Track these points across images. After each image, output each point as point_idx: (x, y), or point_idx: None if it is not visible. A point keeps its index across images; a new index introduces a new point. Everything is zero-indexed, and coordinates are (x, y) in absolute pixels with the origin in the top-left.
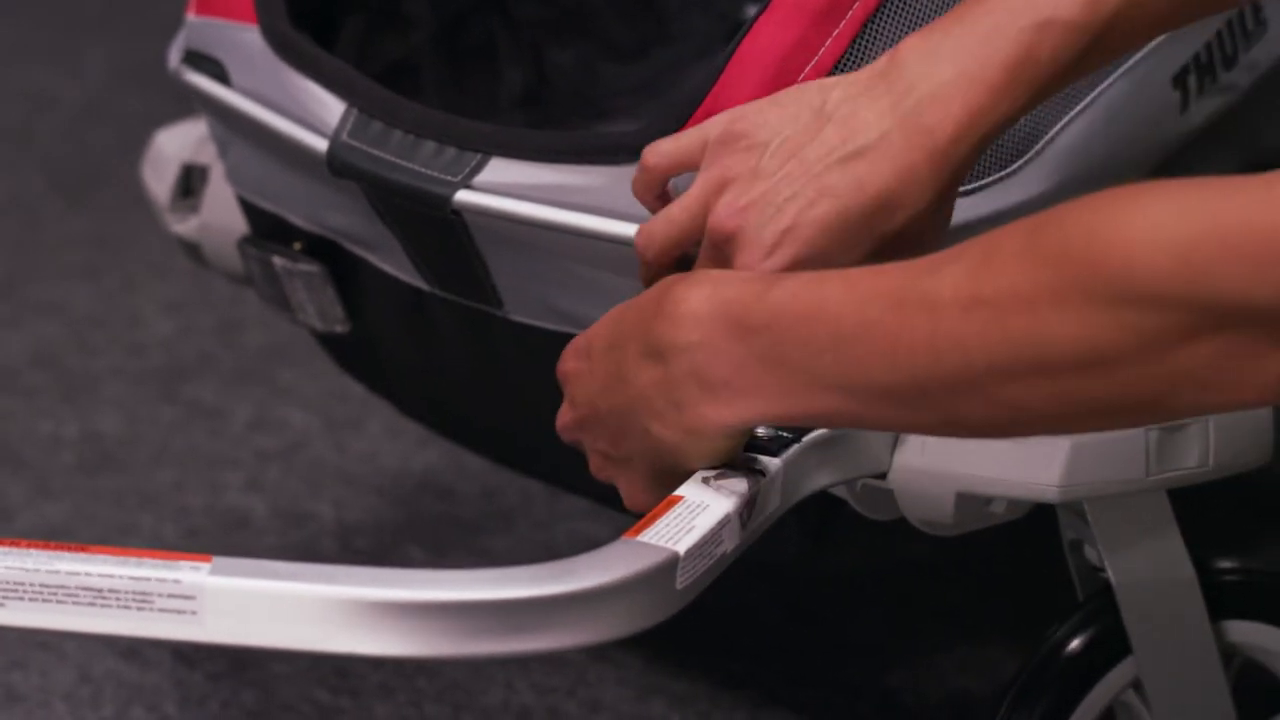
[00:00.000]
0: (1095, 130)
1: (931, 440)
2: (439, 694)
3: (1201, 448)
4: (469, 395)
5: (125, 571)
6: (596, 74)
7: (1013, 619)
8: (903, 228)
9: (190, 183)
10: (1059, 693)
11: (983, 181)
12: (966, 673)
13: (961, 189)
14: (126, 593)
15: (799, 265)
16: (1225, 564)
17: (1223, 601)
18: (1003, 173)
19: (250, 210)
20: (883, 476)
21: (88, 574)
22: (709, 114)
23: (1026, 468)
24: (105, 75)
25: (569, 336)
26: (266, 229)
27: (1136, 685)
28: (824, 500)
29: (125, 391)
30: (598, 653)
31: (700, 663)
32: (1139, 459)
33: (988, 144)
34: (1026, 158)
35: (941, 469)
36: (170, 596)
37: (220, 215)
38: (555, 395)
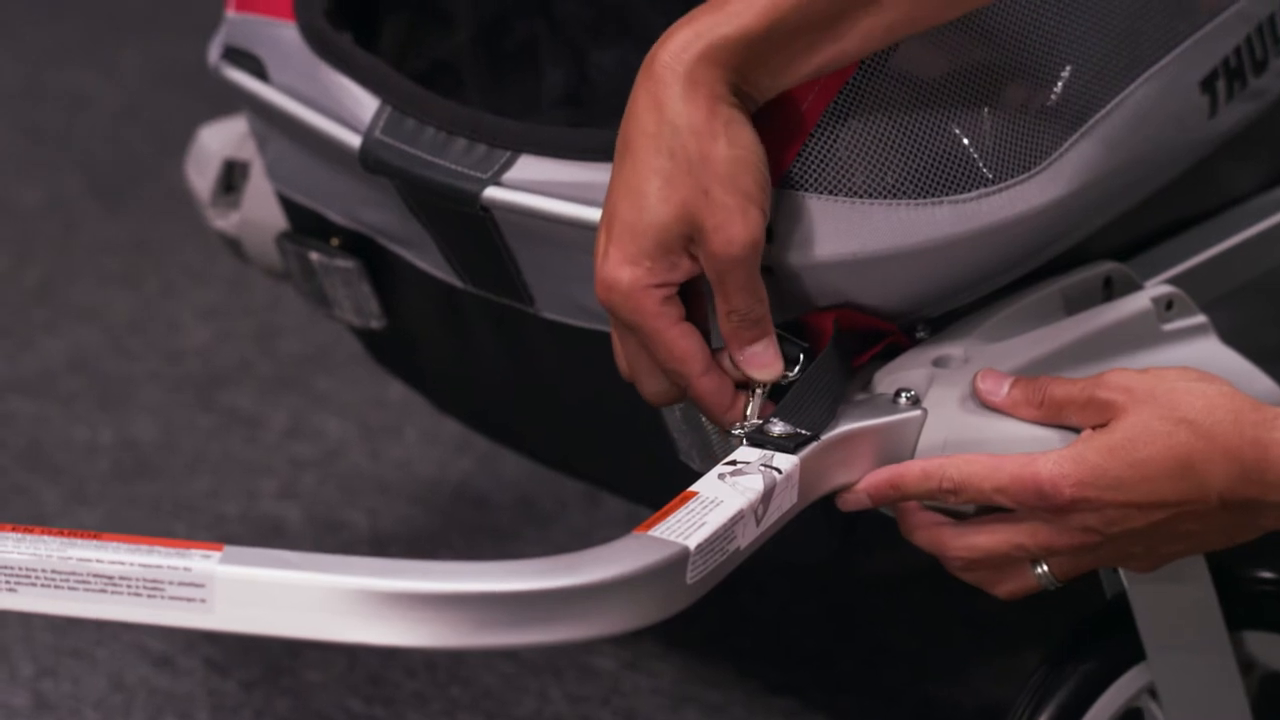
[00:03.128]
0: (1121, 133)
1: (952, 440)
2: (473, 702)
3: None
4: (503, 391)
5: (136, 559)
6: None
7: (1049, 630)
8: None
9: (232, 179)
10: (1072, 694)
11: (1008, 182)
12: (1002, 683)
13: (985, 190)
14: (137, 580)
15: None
16: (1245, 573)
17: (1242, 612)
18: (1027, 173)
19: (289, 206)
20: None
21: (99, 561)
22: None
23: None
24: (143, 77)
25: (598, 334)
26: (305, 225)
27: (1153, 691)
28: None
29: (162, 398)
30: (631, 661)
31: (735, 671)
32: None
33: None
34: (1052, 158)
35: None
36: (181, 584)
37: (260, 211)
38: (586, 391)
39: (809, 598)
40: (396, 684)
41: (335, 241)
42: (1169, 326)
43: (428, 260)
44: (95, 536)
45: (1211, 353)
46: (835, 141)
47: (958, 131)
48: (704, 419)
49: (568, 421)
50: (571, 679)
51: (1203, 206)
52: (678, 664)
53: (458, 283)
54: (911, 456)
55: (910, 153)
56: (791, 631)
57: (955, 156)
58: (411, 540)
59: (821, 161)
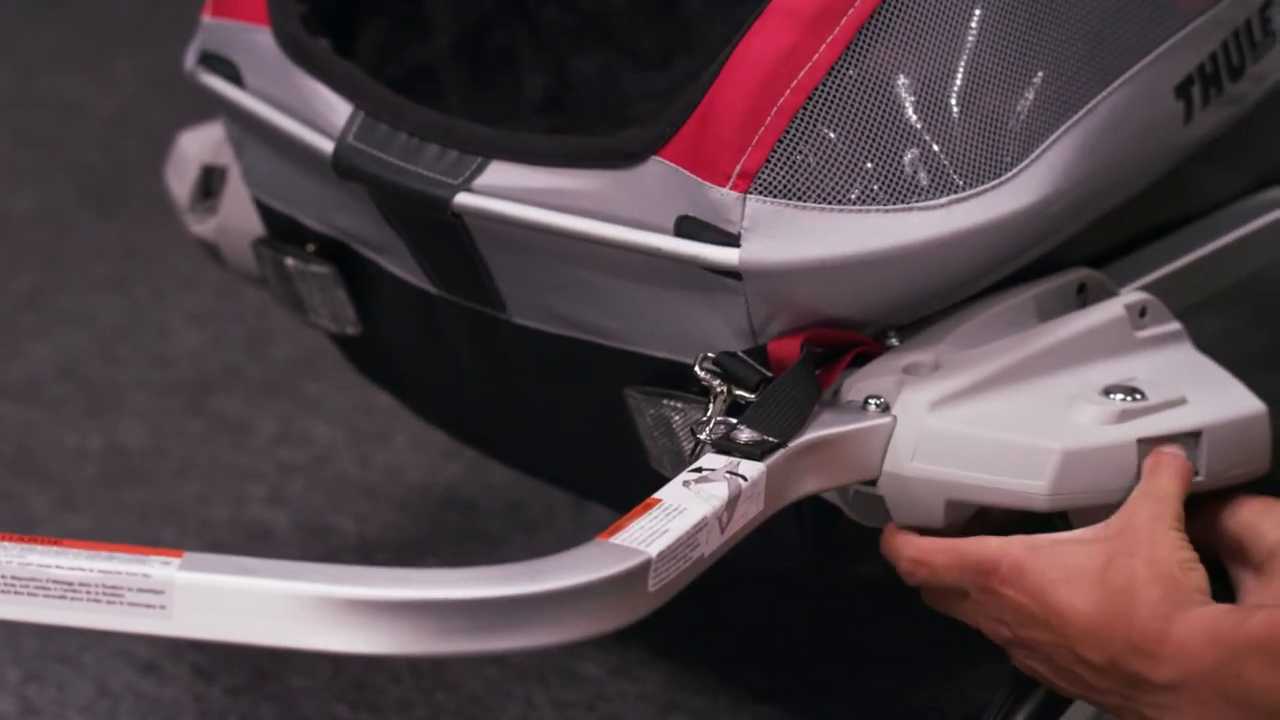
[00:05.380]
0: (1094, 138)
1: (921, 446)
2: (458, 708)
3: (1193, 459)
4: (477, 398)
5: (96, 565)
6: (619, 81)
7: None
8: None
9: (210, 184)
10: (1046, 698)
11: (980, 188)
12: (988, 688)
13: (956, 197)
14: (97, 586)
15: None
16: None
17: None
18: (999, 180)
19: (265, 211)
20: (873, 483)
21: (59, 567)
22: (704, 118)
23: (1018, 474)
24: (136, 85)
25: (571, 341)
26: (280, 230)
27: None
28: (822, 506)
29: (151, 404)
30: (617, 667)
31: (720, 677)
32: (1130, 469)
33: None
34: (1023, 165)
35: (931, 476)
36: (140, 591)
37: (238, 217)
38: (558, 397)
39: (795, 603)
40: (381, 690)
41: (310, 247)
42: (1143, 334)
43: (401, 266)
44: (55, 543)
45: (1184, 360)
46: (804, 148)
47: (928, 138)
48: (675, 426)
49: (541, 428)
50: (557, 685)
51: (1178, 213)
52: (663, 670)
53: (431, 288)
54: (880, 463)
55: (880, 159)
56: (777, 637)
57: (926, 163)
58: (399, 546)
59: (790, 168)
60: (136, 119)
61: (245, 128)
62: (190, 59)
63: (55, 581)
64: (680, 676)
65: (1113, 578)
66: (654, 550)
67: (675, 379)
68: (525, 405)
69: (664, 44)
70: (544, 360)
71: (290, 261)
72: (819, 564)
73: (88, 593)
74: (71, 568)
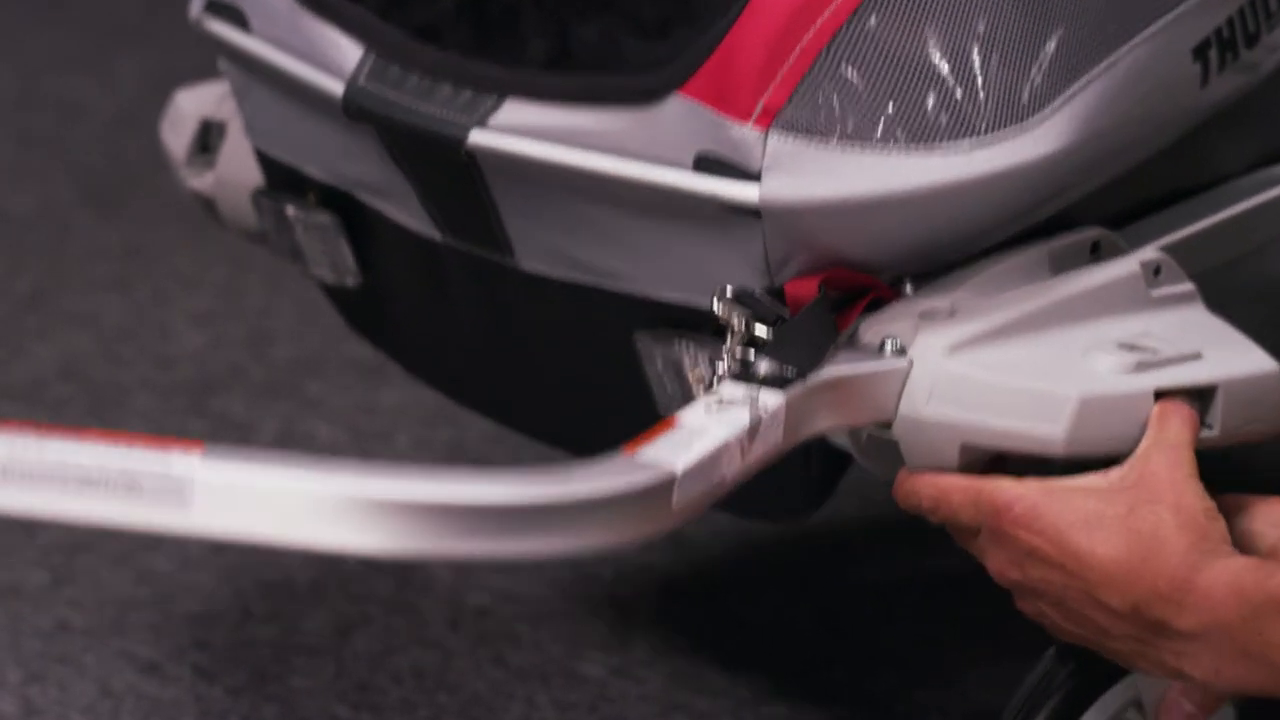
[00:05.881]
0: (1114, 92)
1: (938, 389)
2: (460, 709)
3: (1208, 414)
4: (477, 352)
5: (115, 457)
6: (619, 48)
7: (1039, 634)
8: None
9: (208, 139)
10: (1058, 707)
11: (1002, 134)
12: (992, 689)
13: (977, 141)
14: (116, 479)
15: None
16: None
17: None
18: (1020, 126)
19: (266, 162)
20: (887, 426)
21: (78, 458)
22: (727, 54)
23: (1034, 420)
24: (138, 85)
25: (580, 287)
26: (281, 181)
27: (1139, 704)
28: (831, 454)
29: (153, 404)
30: (619, 668)
31: (724, 678)
32: (1146, 420)
33: None
34: (1044, 113)
35: (947, 420)
36: (160, 484)
37: (236, 170)
38: (563, 346)
39: (799, 604)
40: (383, 690)
41: (312, 197)
42: (1157, 293)
43: (407, 213)
44: (75, 432)
45: (1198, 320)
46: (829, 86)
47: (952, 81)
48: (686, 368)
49: (542, 383)
50: (559, 685)
51: (1191, 182)
52: (666, 671)
53: (437, 236)
54: (896, 405)
55: (903, 100)
56: (781, 638)
57: (948, 106)
58: None
59: (814, 106)
60: (138, 119)
61: (250, 75)
62: (196, 7)
63: (74, 474)
64: (683, 677)
65: (1138, 524)
66: (679, 467)
67: (687, 323)
68: (527, 359)
69: (664, 13)
70: (551, 308)
71: (291, 211)
72: (825, 567)
73: (107, 485)
74: (91, 459)
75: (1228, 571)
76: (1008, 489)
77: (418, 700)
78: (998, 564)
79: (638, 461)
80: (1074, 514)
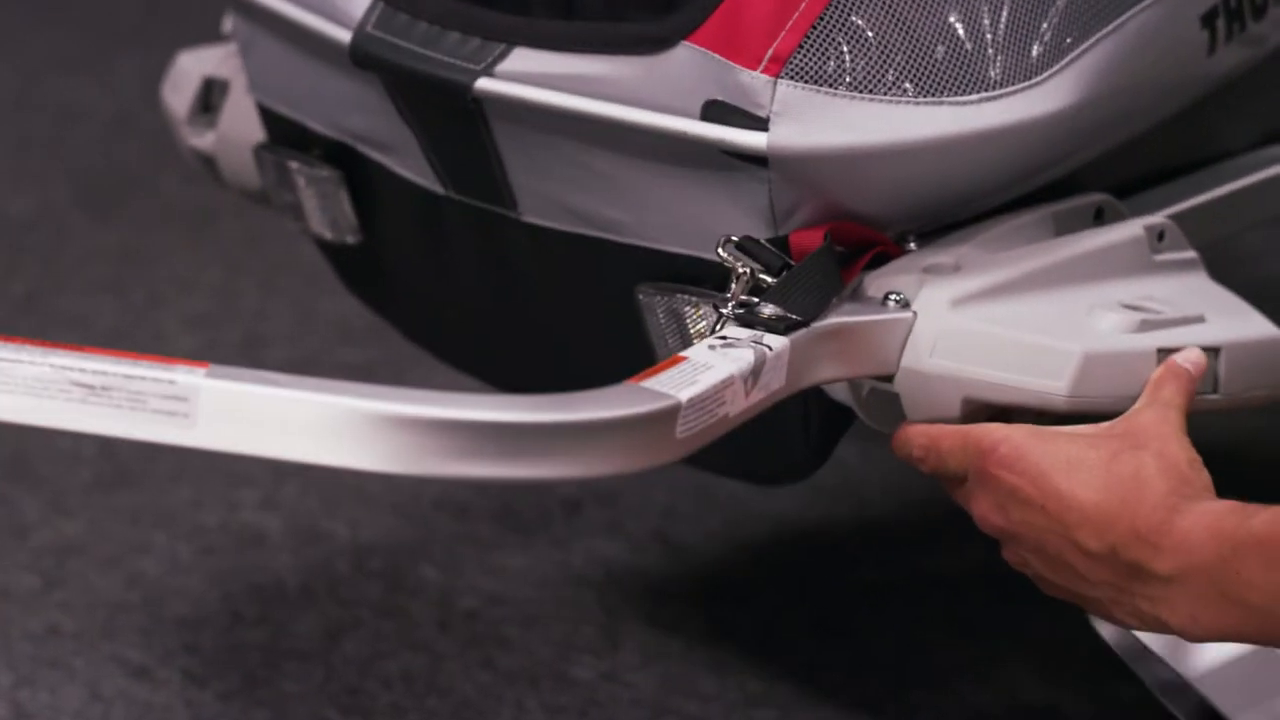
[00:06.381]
0: (1123, 53)
1: (941, 343)
2: (451, 713)
3: (1211, 374)
4: (476, 309)
5: (120, 369)
6: (622, 17)
7: (1029, 634)
8: None
9: (210, 98)
10: None
11: (1011, 88)
12: (984, 692)
13: (986, 95)
14: (120, 391)
15: None
16: None
17: None
18: (1029, 82)
19: (269, 117)
20: (889, 380)
21: (82, 370)
22: (735, 5)
23: (1037, 374)
24: (136, 88)
25: (583, 239)
26: (284, 136)
27: None
28: (830, 410)
29: None
30: (609, 672)
31: (714, 682)
32: (1149, 375)
33: None
34: (1053, 70)
35: (949, 373)
36: (164, 397)
37: (238, 127)
38: (565, 304)
39: (789, 609)
40: (374, 695)
41: (315, 151)
42: (1160, 258)
43: (410, 167)
44: (78, 349)
45: (1201, 287)
46: (838, 35)
47: (962, 34)
48: (689, 321)
49: (541, 341)
50: (549, 689)
51: (1195, 156)
52: (657, 674)
53: (439, 189)
54: (899, 357)
55: (913, 51)
56: (772, 642)
57: (958, 58)
58: (392, 550)
59: (823, 54)
60: (136, 122)
61: (256, 25)
62: None
63: (77, 385)
64: (673, 681)
65: (1119, 467)
66: (684, 396)
67: (689, 277)
68: (527, 316)
69: None
70: (553, 261)
71: (293, 164)
72: (817, 570)
73: (110, 398)
74: (95, 371)
75: (1208, 514)
76: (994, 430)
77: (407, 704)
78: (982, 508)
79: (644, 390)
80: (1057, 456)
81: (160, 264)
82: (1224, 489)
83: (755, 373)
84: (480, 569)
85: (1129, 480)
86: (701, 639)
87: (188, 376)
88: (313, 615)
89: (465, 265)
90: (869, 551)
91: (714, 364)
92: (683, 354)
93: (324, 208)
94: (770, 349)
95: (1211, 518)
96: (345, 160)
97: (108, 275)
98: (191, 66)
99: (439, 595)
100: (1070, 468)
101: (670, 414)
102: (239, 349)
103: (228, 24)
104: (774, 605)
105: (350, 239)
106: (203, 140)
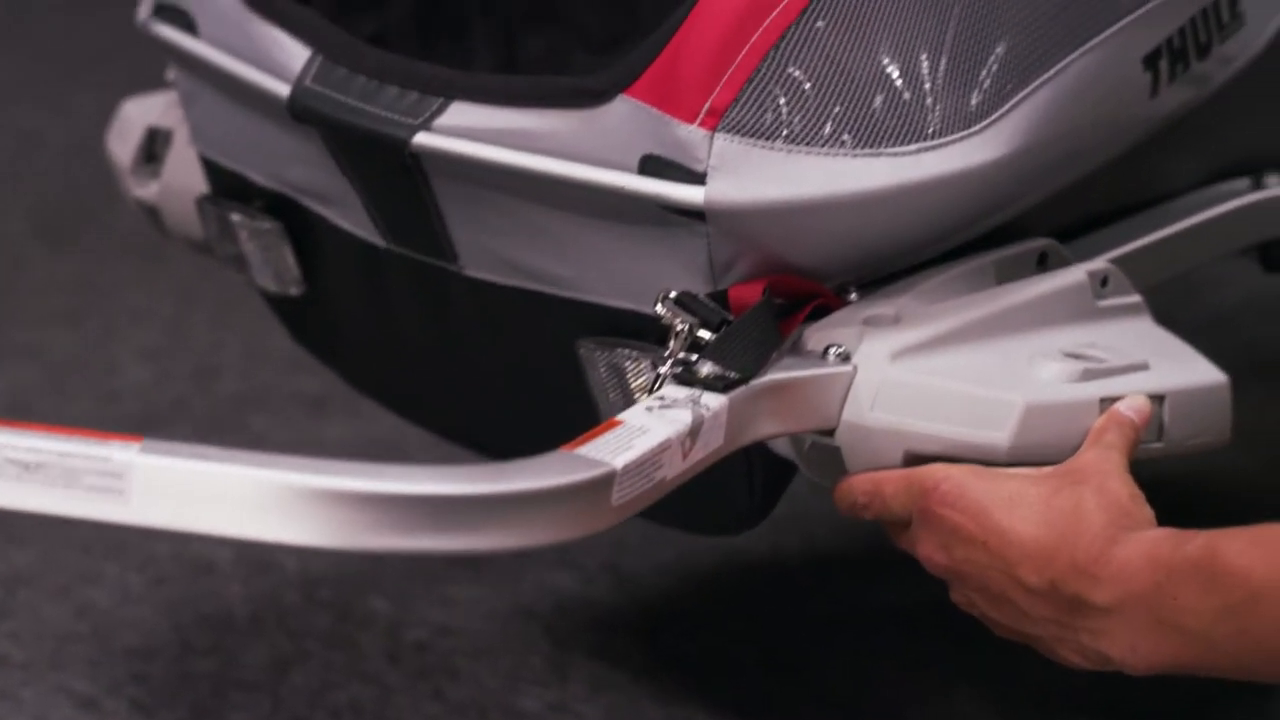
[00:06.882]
0: (1064, 98)
1: (882, 396)
2: None
3: (1156, 422)
4: (420, 361)
5: (54, 446)
6: (567, 62)
7: (985, 670)
8: None
9: (154, 148)
10: None
11: (950, 138)
12: None
13: (924, 145)
14: (55, 468)
15: None
16: None
17: None
18: (968, 131)
19: (211, 169)
20: (830, 434)
21: (15, 447)
22: (674, 55)
23: (978, 426)
24: (94, 117)
25: (523, 292)
26: (227, 188)
27: None
28: (773, 464)
29: None
30: (557, 703)
31: (662, 714)
32: (1091, 424)
33: None
34: (993, 117)
35: (891, 426)
36: (99, 474)
37: (182, 178)
38: (506, 354)
39: (738, 641)
40: None
41: (257, 204)
42: (1104, 303)
43: (351, 219)
44: (13, 425)
45: (1146, 331)
46: (775, 87)
47: (900, 84)
48: (629, 376)
49: (484, 393)
50: None
51: (1138, 198)
52: (604, 706)
53: (380, 242)
54: (840, 411)
55: (851, 102)
56: (720, 674)
57: (896, 109)
58: (341, 581)
59: (760, 107)
60: (94, 151)
61: (197, 79)
62: (144, 11)
63: (12, 462)
64: (620, 712)
65: (1059, 502)
66: (619, 463)
67: (630, 331)
68: (468, 368)
69: (613, 27)
70: (494, 314)
71: (235, 217)
72: (767, 602)
73: (45, 475)
74: (29, 449)
75: (1144, 542)
76: (937, 470)
77: None
78: (926, 549)
79: (578, 458)
80: (998, 493)
81: (115, 295)
82: (1172, 521)
83: (693, 434)
84: (430, 600)
85: (1069, 514)
86: (650, 670)
87: (122, 453)
88: (261, 646)
89: (408, 317)
90: (819, 583)
91: (650, 427)
92: (618, 417)
93: (267, 260)
94: (708, 409)
95: (1148, 545)
96: (287, 212)
97: (63, 306)
98: (136, 115)
99: (388, 626)
100: (1011, 504)
101: (605, 482)
102: (190, 380)
103: (170, 73)
104: (723, 637)
105: (294, 290)
106: (146, 190)
